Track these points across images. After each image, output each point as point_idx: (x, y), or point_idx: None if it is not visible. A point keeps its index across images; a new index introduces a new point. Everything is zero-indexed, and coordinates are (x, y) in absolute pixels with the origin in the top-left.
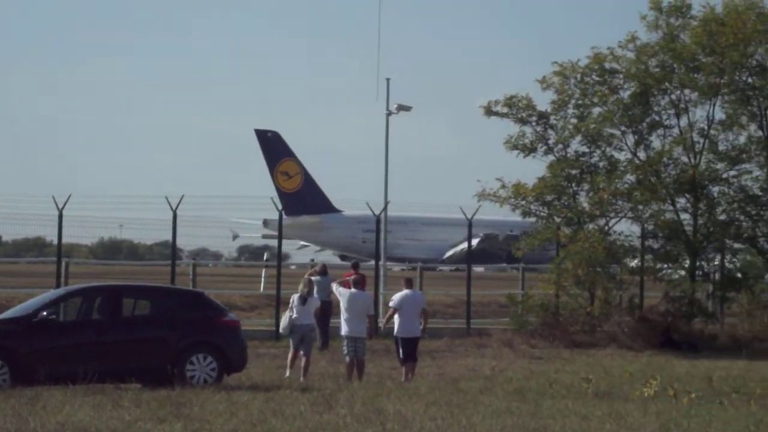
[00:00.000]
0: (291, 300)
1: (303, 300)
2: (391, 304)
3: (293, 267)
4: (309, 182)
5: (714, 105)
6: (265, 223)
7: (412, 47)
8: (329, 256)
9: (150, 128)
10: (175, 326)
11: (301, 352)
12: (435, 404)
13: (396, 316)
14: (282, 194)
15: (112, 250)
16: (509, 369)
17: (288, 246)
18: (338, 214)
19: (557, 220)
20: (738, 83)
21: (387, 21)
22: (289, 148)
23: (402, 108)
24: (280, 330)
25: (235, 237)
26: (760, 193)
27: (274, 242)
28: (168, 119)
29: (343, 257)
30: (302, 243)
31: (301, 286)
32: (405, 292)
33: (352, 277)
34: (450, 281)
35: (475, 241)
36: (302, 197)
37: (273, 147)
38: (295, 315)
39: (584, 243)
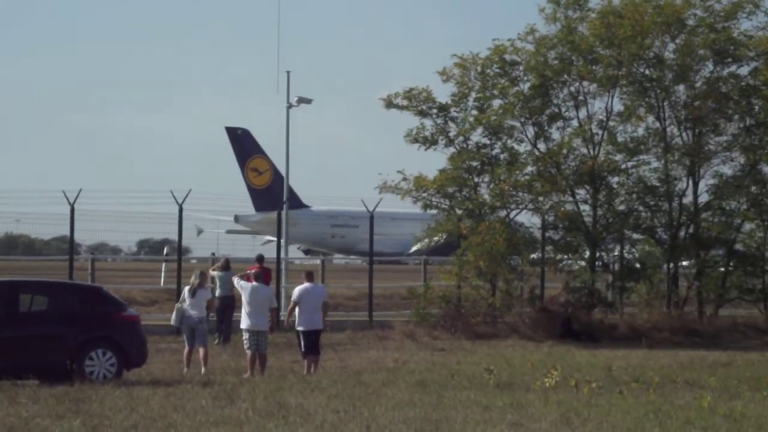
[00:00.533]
0: (183, 292)
1: (193, 292)
2: (292, 297)
3: (194, 261)
4: (278, 178)
5: (612, 97)
6: (236, 218)
7: (314, 40)
8: (295, 252)
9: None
10: (74, 322)
11: (197, 345)
12: (337, 397)
13: (297, 310)
14: (252, 190)
15: (9, 245)
16: (411, 361)
17: (256, 241)
18: (307, 209)
19: (459, 212)
20: (636, 75)
21: (287, 14)
22: (259, 145)
23: (302, 101)
24: (171, 321)
25: (199, 232)
26: (658, 184)
27: (175, 236)
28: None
29: (307, 251)
30: (268, 238)
31: (192, 278)
32: (305, 285)
33: (253, 270)
34: (354, 274)
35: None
36: (272, 193)
37: (243, 144)
38: (184, 306)
39: (486, 235)
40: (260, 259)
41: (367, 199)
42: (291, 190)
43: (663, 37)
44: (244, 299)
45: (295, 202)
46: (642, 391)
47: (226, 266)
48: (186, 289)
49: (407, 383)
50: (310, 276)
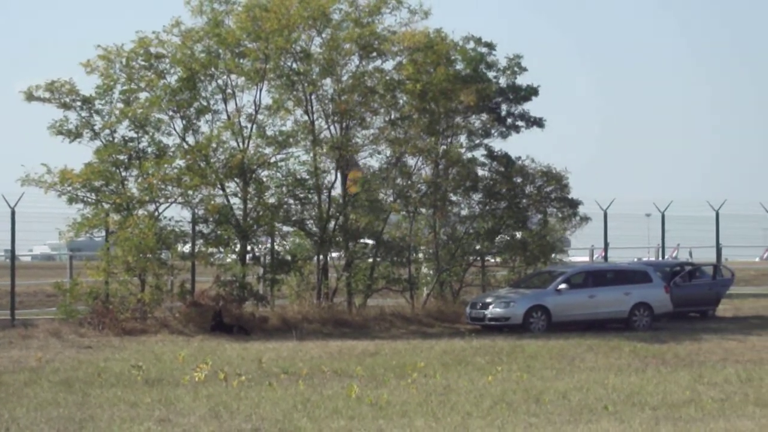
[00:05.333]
0: None
1: None
2: None
3: None
4: None
5: (261, 90)
6: None
7: None
8: None
9: None
10: None
11: None
12: None
13: None
14: None
15: None
16: (56, 360)
17: None
18: None
19: (106, 206)
20: (283, 69)
21: None
22: None
23: None
24: None
25: None
26: (307, 177)
27: None
28: None
29: None
30: None
31: None
32: None
33: None
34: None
35: None
36: None
37: None
38: None
39: (134, 229)
40: None
41: (9, 193)
42: None
43: (309, 31)
44: None
45: None
46: (291, 382)
47: None
48: None
49: (51, 382)
50: None
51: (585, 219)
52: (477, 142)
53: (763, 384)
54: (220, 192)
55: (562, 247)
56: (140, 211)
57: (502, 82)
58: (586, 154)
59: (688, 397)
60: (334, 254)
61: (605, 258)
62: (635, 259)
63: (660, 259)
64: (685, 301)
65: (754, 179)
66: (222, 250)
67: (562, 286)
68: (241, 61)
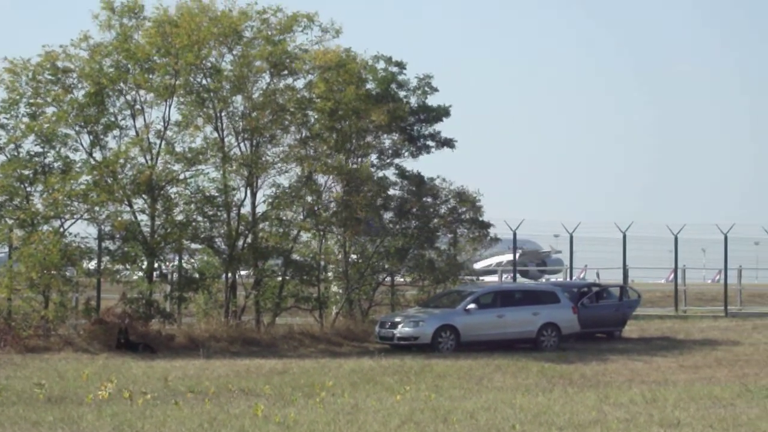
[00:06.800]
0: None
1: None
2: None
3: None
4: None
5: (170, 106)
6: None
7: None
8: None
9: None
10: None
11: None
12: None
13: None
14: None
15: None
16: None
17: None
18: None
19: (9, 221)
20: (193, 85)
21: None
22: None
23: None
24: None
25: None
26: (216, 194)
27: None
28: None
29: None
30: None
31: None
32: None
33: None
34: None
35: None
36: None
37: None
38: None
39: (38, 245)
40: None
41: None
42: None
43: (220, 48)
44: None
45: None
46: (198, 401)
47: None
48: None
49: None
50: None
51: (495, 240)
52: (387, 161)
53: (667, 404)
54: (128, 208)
55: (472, 267)
56: (45, 227)
57: (413, 101)
58: (500, 174)
59: (594, 418)
60: (243, 272)
61: (514, 279)
62: (544, 280)
63: (568, 279)
64: (592, 322)
65: (660, 202)
66: (129, 267)
67: (471, 306)
68: (151, 76)
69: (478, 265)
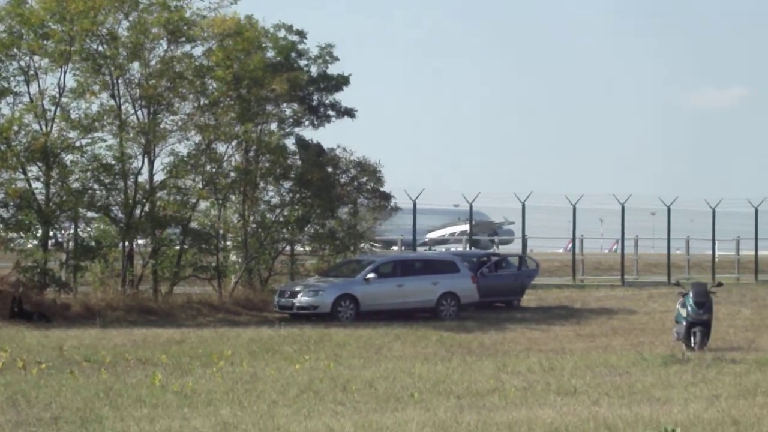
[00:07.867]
0: None
1: None
2: None
3: None
4: None
5: (65, 73)
6: None
7: None
8: None
9: None
10: None
11: None
12: None
13: None
14: None
15: None
16: None
17: None
18: None
19: None
20: (89, 51)
21: None
22: None
23: None
24: None
25: None
26: (113, 162)
27: None
28: None
29: None
30: None
31: None
32: None
33: None
34: None
35: None
36: None
37: None
38: None
39: None
40: None
41: None
42: None
43: (116, 14)
44: None
45: None
46: (94, 370)
47: None
48: None
49: None
50: None
51: (395, 209)
52: (288, 130)
53: (564, 373)
54: (22, 176)
55: (372, 236)
56: None
57: (314, 71)
58: (401, 143)
59: (492, 386)
60: (141, 241)
61: (413, 247)
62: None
63: (468, 249)
64: (491, 291)
65: (559, 172)
66: (23, 235)
67: (371, 275)
68: (45, 42)
69: (433, 235)
